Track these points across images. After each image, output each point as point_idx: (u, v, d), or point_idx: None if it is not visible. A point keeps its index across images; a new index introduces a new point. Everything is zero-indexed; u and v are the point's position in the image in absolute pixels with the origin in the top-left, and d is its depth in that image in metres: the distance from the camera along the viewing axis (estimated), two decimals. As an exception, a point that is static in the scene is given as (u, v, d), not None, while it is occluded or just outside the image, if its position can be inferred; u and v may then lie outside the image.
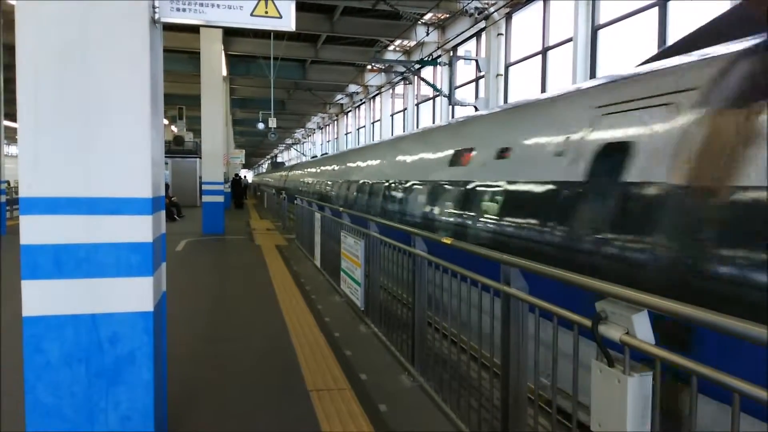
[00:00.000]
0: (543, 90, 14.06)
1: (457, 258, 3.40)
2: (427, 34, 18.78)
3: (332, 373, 4.09)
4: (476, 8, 15.37)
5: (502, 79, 15.84)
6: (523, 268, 2.65)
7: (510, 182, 4.99)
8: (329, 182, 15.45)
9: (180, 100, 27.40)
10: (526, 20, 15.09)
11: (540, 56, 14.19)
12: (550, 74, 13.91)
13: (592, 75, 11.89)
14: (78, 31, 2.40)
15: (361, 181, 11.31)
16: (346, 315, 5.82)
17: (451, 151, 6.83)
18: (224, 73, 20.35)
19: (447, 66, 16.70)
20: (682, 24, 9.75)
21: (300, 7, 16.45)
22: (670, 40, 9.93)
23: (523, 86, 15.25)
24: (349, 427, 3.21)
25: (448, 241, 3.59)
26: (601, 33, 11.82)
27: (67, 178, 2.42)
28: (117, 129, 2.48)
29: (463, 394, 3.22)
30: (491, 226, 5.11)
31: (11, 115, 16.46)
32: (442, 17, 18.30)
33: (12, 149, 39.63)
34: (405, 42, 20.99)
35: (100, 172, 2.46)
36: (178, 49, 20.42)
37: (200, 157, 18.69)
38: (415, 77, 20.66)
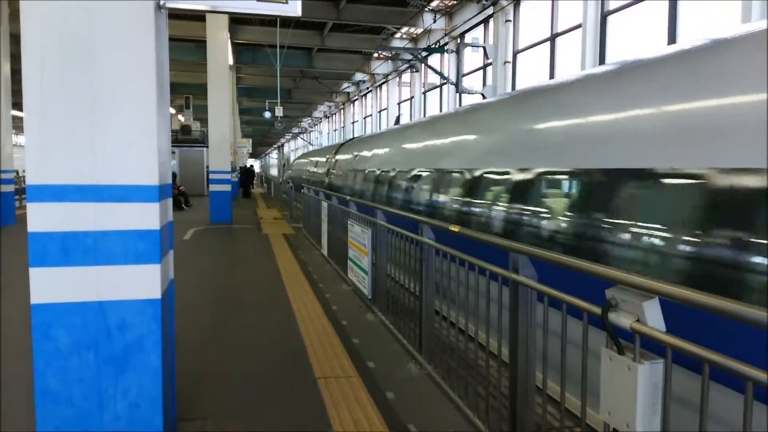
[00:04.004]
0: (551, 78, 13.92)
1: (465, 247, 3.38)
2: (434, 21, 18.64)
3: (340, 361, 4.10)
4: (484, -6, 15.23)
5: (510, 66, 15.70)
6: (531, 256, 2.63)
7: None
8: None
9: (187, 90, 27.40)
10: (534, 6, 14.92)
11: (548, 43, 14.04)
12: (559, 61, 13.77)
13: (602, 62, 11.75)
14: (83, 18, 2.39)
15: None
16: (354, 303, 5.83)
17: None
18: (231, 61, 20.29)
19: (454, 53, 16.56)
20: (691, 9, 9.61)
21: (306, -5, 16.34)
22: (680, 26, 9.79)
23: (532, 74, 15.12)
24: (356, 414, 3.22)
25: (455, 228, 3.57)
26: (610, 19, 11.67)
27: (74, 165, 2.42)
28: (124, 116, 2.47)
29: (471, 382, 3.22)
30: None
31: (18, 105, 16.51)
32: (450, 4, 18.14)
33: (20, 139, 39.84)
34: (412, 29, 20.83)
35: (107, 160, 2.46)
36: (185, 37, 20.37)
37: (207, 147, 18.69)
38: (422, 65, 20.54)
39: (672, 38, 9.93)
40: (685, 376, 2.07)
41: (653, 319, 1.76)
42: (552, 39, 13.88)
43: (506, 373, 2.85)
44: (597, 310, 1.95)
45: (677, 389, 1.77)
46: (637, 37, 11.10)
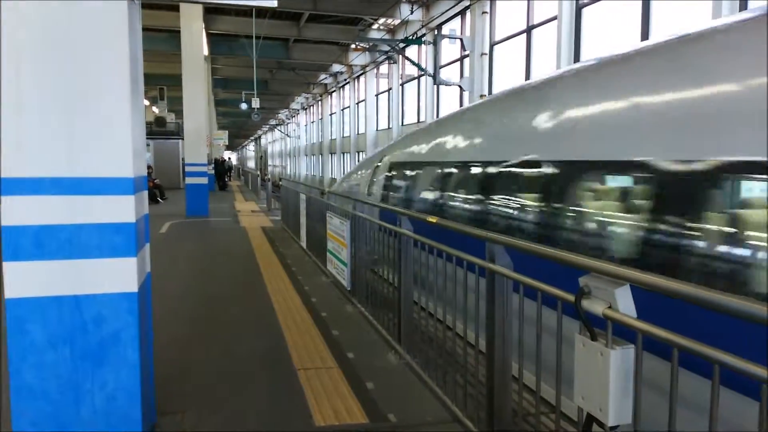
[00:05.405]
0: (527, 70, 14.03)
1: (443, 238, 3.41)
2: (411, 12, 18.61)
3: (319, 352, 4.11)
4: (461, -14, 15.25)
5: (486, 58, 15.78)
6: (507, 246, 2.67)
7: None
8: None
9: (161, 81, 26.92)
10: (510, -2, 14.99)
11: (525, 35, 14.14)
12: (535, 53, 13.88)
13: (576, 54, 11.88)
14: (57, 10, 2.36)
15: None
16: (333, 295, 5.84)
17: None
18: (205, 52, 20.02)
19: (432, 45, 16.59)
20: (665, 3, 9.75)
21: (282, -15, 16.18)
22: (653, 17, 9.94)
23: (509, 65, 15.21)
24: (336, 404, 3.24)
25: (433, 219, 3.61)
26: (585, 11, 11.80)
27: (49, 158, 2.39)
28: (97, 109, 2.44)
29: (449, 371, 3.27)
30: None
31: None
32: (427, -5, 18.14)
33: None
34: (389, 20, 20.78)
35: (81, 153, 2.43)
36: (158, 27, 20.02)
37: (183, 139, 18.43)
38: (400, 56, 20.53)
39: (645, 30, 10.08)
40: (657, 361, 2.13)
41: (625, 306, 1.80)
42: (528, 31, 13.98)
43: (483, 361, 2.89)
44: (571, 297, 1.99)
45: (649, 374, 1.82)
46: (611, 30, 11.24)
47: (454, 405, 3.11)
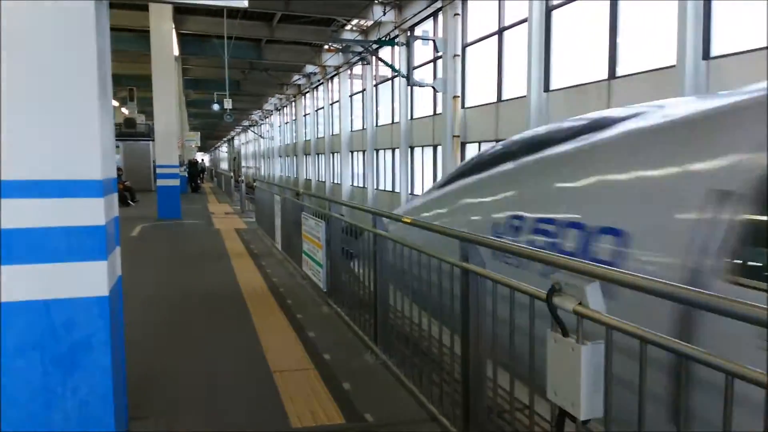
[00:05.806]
0: (499, 71, 14.18)
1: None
2: (384, 14, 18.66)
3: (295, 354, 4.10)
4: (433, -12, 15.35)
5: (459, 59, 15.91)
6: (481, 245, 2.70)
7: None
8: None
9: (130, 81, 26.41)
10: (481, 0, 15.13)
11: (496, 37, 14.30)
12: (507, 55, 14.04)
13: (547, 56, 12.05)
14: (21, 9, 2.30)
15: None
16: (309, 297, 5.82)
17: None
18: (176, 52, 19.74)
19: (404, 46, 16.66)
20: (632, 5, 9.97)
21: (254, -15, 16.06)
22: (621, 19, 10.15)
23: (481, 67, 15.35)
24: (312, 405, 3.24)
25: (408, 220, 3.63)
26: (554, 13, 11.98)
27: (15, 160, 2.33)
28: (65, 110, 2.40)
29: (426, 370, 3.29)
30: None
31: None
32: (399, -4, 18.20)
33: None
34: (362, 21, 20.80)
35: (49, 155, 2.38)
36: (127, 27, 19.66)
37: (153, 140, 18.12)
38: (373, 57, 20.55)
39: (613, 32, 10.29)
40: (627, 356, 2.18)
41: (595, 302, 1.84)
42: (500, 33, 14.14)
43: (459, 359, 2.92)
44: (542, 294, 2.02)
45: (621, 369, 1.87)
46: (580, 31, 11.43)
47: (430, 403, 3.14)
